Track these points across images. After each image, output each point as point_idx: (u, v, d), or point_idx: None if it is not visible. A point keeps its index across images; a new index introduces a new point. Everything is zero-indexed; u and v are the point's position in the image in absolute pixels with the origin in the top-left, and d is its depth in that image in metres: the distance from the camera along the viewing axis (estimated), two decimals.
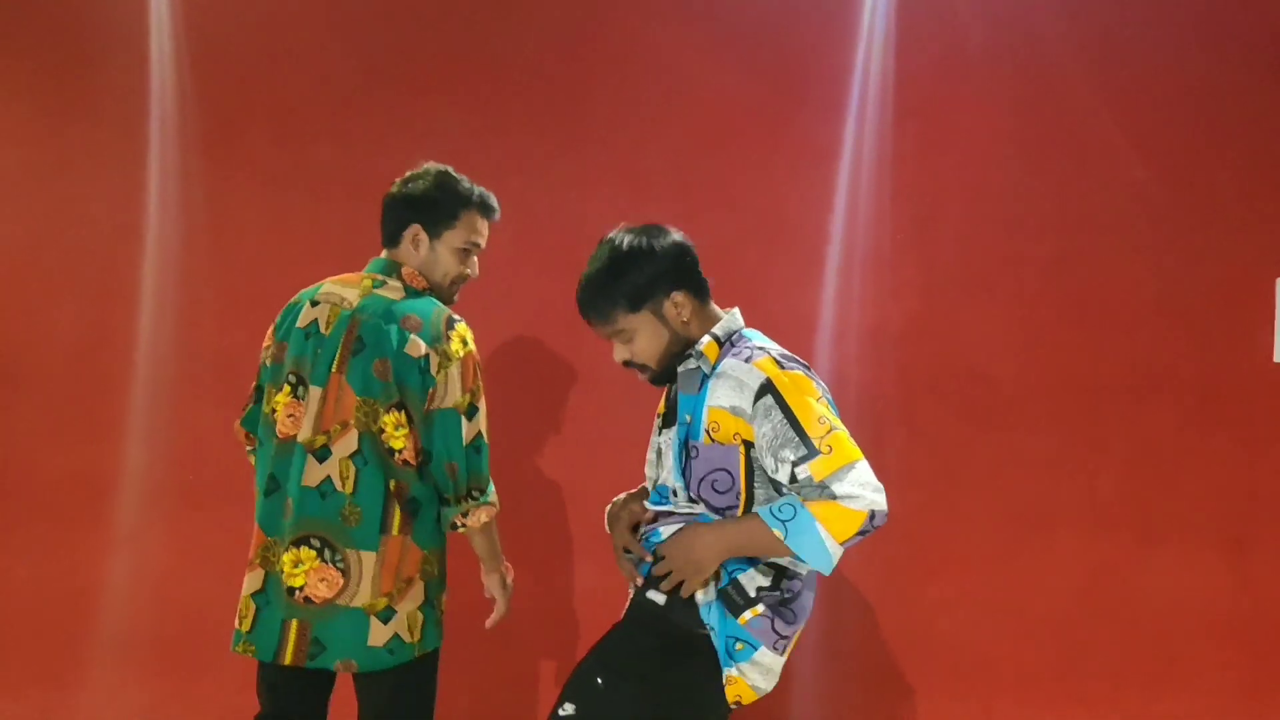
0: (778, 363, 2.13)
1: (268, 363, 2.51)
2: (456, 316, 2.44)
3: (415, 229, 2.48)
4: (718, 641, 2.11)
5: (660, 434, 2.32)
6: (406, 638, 2.31)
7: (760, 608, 2.11)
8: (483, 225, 2.59)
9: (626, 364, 2.28)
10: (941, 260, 3.65)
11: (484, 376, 2.47)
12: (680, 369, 2.23)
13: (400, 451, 2.31)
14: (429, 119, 3.56)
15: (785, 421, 2.05)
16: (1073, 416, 3.64)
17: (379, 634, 2.28)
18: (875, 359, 3.62)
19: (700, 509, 2.17)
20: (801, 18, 3.60)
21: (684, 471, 2.17)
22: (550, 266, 3.59)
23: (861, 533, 2.09)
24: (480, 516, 2.38)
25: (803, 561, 2.08)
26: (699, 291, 2.27)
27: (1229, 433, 3.67)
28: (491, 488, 2.43)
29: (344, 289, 2.45)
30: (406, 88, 3.58)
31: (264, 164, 3.57)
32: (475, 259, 2.62)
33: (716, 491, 2.12)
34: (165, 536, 3.54)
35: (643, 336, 2.20)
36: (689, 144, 3.61)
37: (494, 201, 2.63)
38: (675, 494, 2.22)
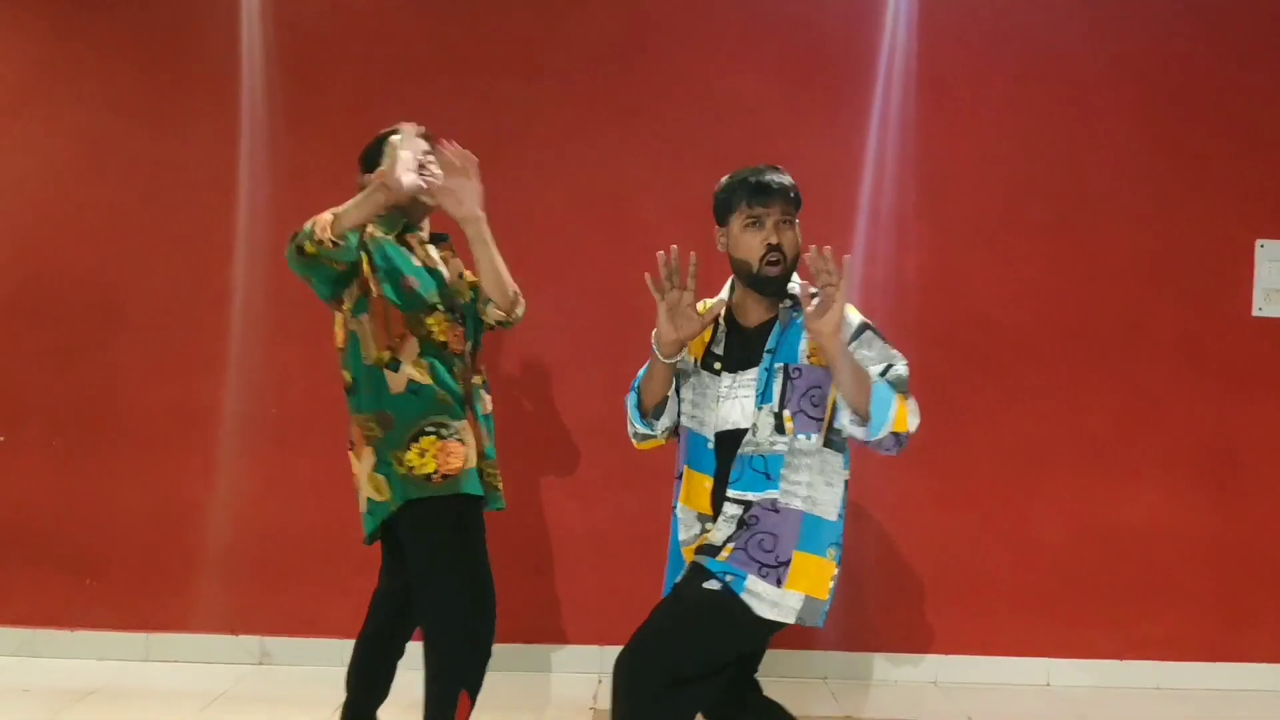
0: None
1: None
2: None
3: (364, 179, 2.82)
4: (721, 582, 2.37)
5: (721, 377, 2.47)
6: (377, 498, 2.70)
7: (731, 545, 2.37)
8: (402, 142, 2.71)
9: (772, 248, 2.40)
10: (952, 221, 3.99)
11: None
12: (781, 307, 2.46)
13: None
14: (494, 92, 3.90)
15: (884, 346, 2.40)
16: (1069, 363, 3.98)
17: (364, 501, 2.74)
18: (891, 309, 3.93)
19: (780, 446, 2.38)
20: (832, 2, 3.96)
21: (782, 394, 2.39)
22: (601, 222, 3.94)
23: (897, 437, 2.34)
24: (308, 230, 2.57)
25: (864, 416, 2.32)
26: None
27: (1212, 379, 4.01)
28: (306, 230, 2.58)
29: None
30: (475, 63, 3.91)
31: (343, 129, 3.85)
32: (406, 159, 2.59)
33: (813, 404, 2.39)
34: (252, 463, 3.89)
35: (796, 233, 2.45)
36: (726, 114, 3.94)
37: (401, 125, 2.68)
38: (754, 430, 2.40)
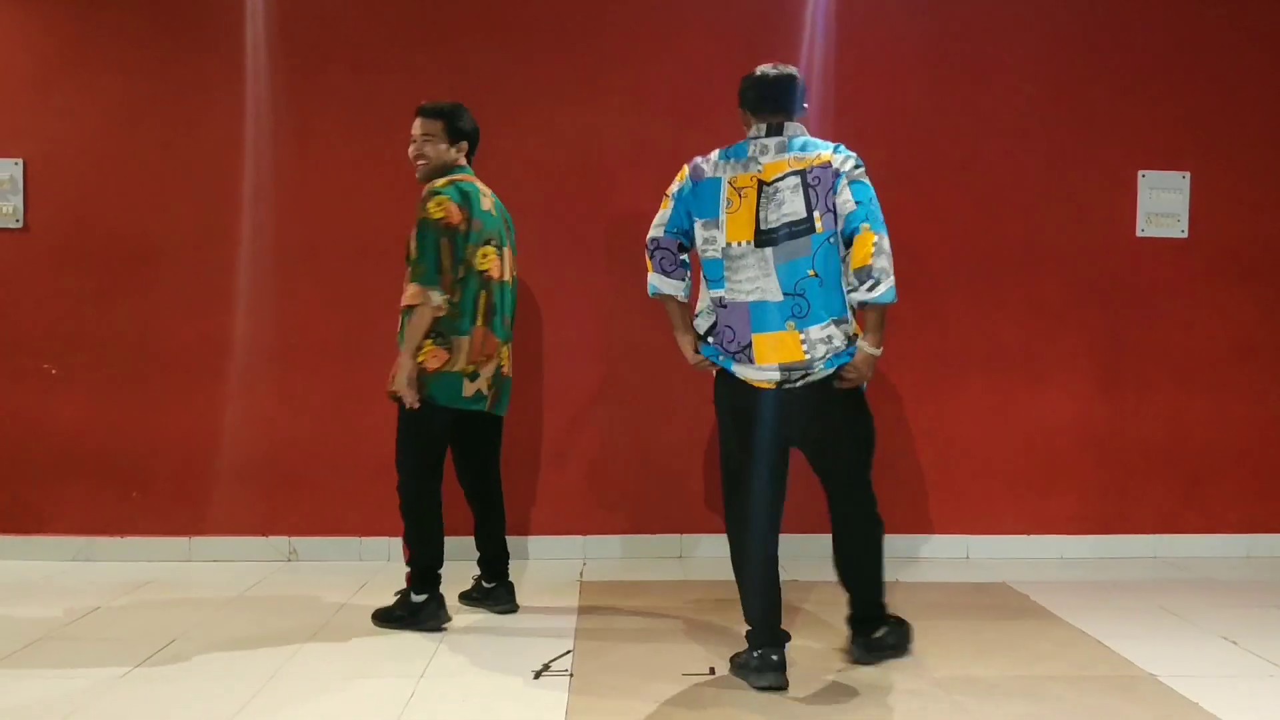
0: None
1: (464, 230, 3.45)
2: None
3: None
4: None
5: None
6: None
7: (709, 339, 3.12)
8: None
9: None
10: (874, 161, 4.39)
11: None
12: None
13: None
14: (475, 53, 4.43)
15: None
16: (979, 282, 4.61)
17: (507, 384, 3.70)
18: None
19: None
20: None
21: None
22: (572, 165, 4.49)
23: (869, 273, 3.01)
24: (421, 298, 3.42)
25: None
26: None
27: (1102, 294, 4.65)
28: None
29: (484, 187, 3.61)
30: (457, 29, 4.44)
31: (341, 90, 4.42)
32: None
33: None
34: (276, 387, 4.43)
35: None
36: (678, 72, 4.50)
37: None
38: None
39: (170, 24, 4.42)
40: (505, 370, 3.61)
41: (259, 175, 4.43)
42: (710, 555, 4.46)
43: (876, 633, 3.20)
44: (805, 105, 3.18)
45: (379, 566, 4.35)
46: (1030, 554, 4.62)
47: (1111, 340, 4.66)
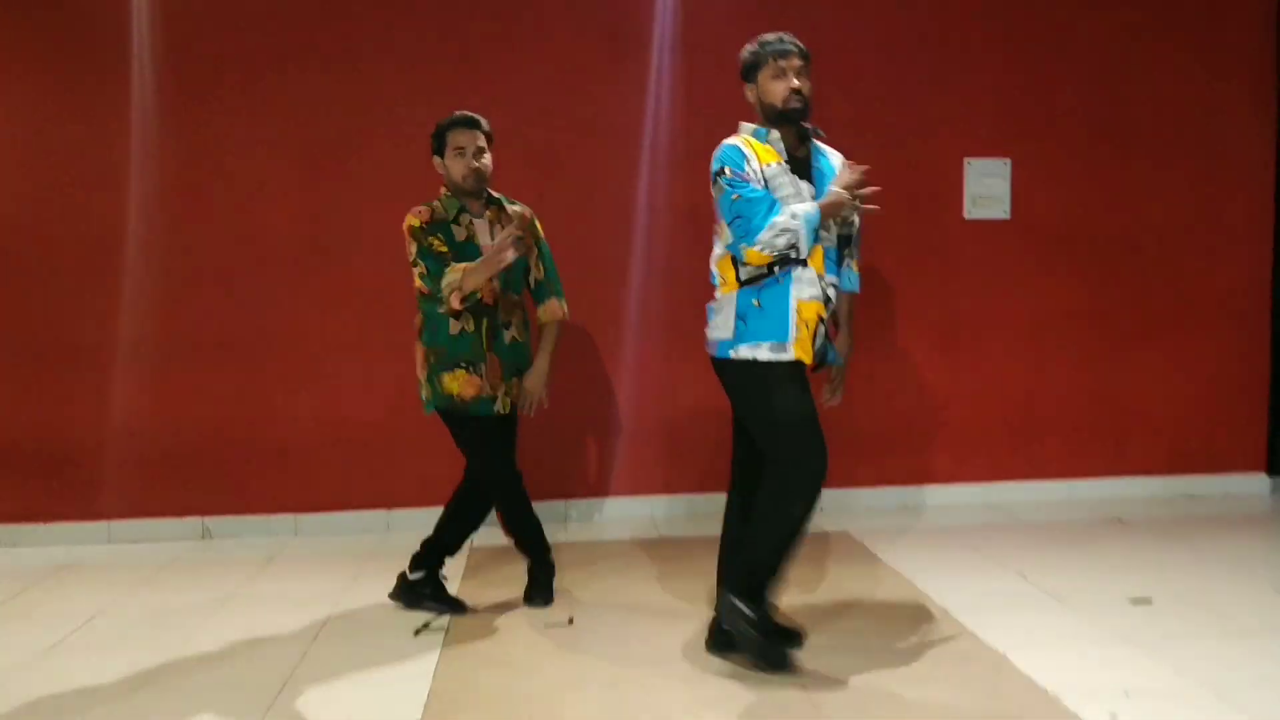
0: None
1: None
2: (422, 208, 3.50)
3: (435, 160, 3.59)
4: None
5: (802, 183, 3.24)
6: (424, 394, 3.61)
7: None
8: (462, 135, 3.49)
9: (796, 93, 3.15)
10: None
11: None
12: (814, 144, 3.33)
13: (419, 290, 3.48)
14: (364, 65, 4.81)
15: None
16: None
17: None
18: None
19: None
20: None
21: None
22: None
23: None
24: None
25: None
26: None
27: (935, 270, 5.20)
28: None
29: None
30: (342, 44, 4.80)
31: (232, 104, 4.77)
32: (471, 156, 3.49)
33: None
34: (180, 380, 4.79)
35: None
36: (555, 79, 4.92)
37: (465, 115, 3.53)
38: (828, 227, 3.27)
39: (72, 47, 4.72)
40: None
41: (162, 185, 4.76)
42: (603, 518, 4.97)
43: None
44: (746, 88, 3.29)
45: (285, 541, 4.78)
46: (874, 504, 5.18)
47: (945, 312, 5.22)
